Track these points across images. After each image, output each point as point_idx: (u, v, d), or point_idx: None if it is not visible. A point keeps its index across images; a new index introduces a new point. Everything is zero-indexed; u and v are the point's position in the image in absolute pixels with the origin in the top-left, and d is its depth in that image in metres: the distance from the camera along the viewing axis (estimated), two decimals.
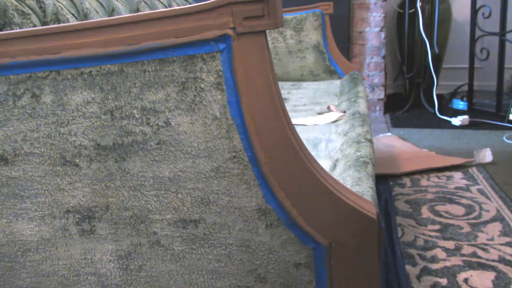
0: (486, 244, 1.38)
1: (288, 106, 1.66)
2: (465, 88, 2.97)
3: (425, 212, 1.61)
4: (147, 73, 0.62)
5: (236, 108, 0.61)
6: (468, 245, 1.38)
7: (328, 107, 1.57)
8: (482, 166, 2.02)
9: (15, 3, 0.94)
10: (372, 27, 2.96)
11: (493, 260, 1.29)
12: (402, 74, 3.21)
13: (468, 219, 1.55)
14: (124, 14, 1.50)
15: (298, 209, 0.63)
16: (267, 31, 0.60)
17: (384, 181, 1.90)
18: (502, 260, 1.29)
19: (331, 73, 2.26)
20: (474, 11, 2.83)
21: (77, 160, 0.67)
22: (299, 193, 0.63)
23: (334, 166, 0.95)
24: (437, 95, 2.97)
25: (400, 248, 1.36)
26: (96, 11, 1.34)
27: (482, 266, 1.27)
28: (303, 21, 2.27)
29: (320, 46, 2.26)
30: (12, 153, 0.68)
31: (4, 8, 0.91)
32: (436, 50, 2.96)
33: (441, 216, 1.58)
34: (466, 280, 1.21)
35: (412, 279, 1.22)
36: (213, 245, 0.67)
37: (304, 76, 2.30)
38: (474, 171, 1.98)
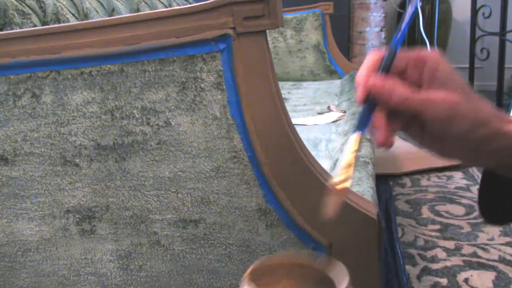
0: (486, 244, 1.38)
1: (288, 106, 1.66)
2: None
3: (425, 212, 1.61)
4: (147, 73, 0.62)
5: (236, 108, 0.61)
6: (468, 245, 1.38)
7: (328, 107, 1.57)
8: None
9: (15, 3, 0.94)
10: (372, 27, 2.96)
11: (493, 260, 1.29)
12: None
13: (468, 219, 1.55)
14: (124, 14, 1.50)
15: (298, 209, 0.63)
16: (267, 31, 0.60)
17: (384, 181, 1.90)
18: (502, 260, 1.29)
19: (331, 73, 2.26)
20: (474, 11, 2.83)
21: (77, 160, 0.67)
22: (299, 193, 0.63)
23: (334, 166, 0.95)
24: None
25: (400, 248, 1.36)
26: (96, 11, 1.34)
27: (482, 266, 1.27)
28: (303, 21, 2.27)
29: (320, 46, 2.26)
30: (12, 153, 0.68)
31: (4, 8, 0.91)
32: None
33: (441, 216, 1.58)
34: (466, 280, 1.21)
35: (412, 279, 1.22)
36: (213, 245, 0.67)
37: (304, 76, 2.30)
38: (474, 171, 1.98)
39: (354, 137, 0.45)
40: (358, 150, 0.45)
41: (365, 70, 0.46)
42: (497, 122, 0.44)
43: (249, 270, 0.42)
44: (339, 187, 0.43)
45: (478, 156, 0.46)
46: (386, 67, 0.46)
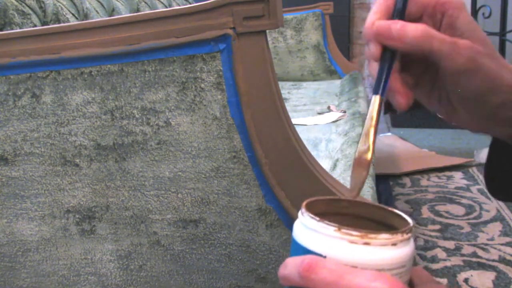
0: (486, 244, 1.38)
1: (288, 106, 1.66)
2: None
3: (425, 212, 1.61)
4: (147, 73, 0.62)
5: (236, 108, 0.61)
6: (468, 245, 1.38)
7: (328, 107, 1.57)
8: (482, 166, 2.02)
9: (15, 3, 0.94)
10: None
11: (493, 260, 1.29)
12: None
13: (468, 219, 1.55)
14: (124, 14, 1.50)
15: (298, 209, 0.63)
16: (267, 31, 0.60)
17: (384, 181, 1.90)
18: (502, 260, 1.29)
19: (331, 73, 2.26)
20: (474, 11, 2.83)
21: (77, 160, 0.67)
22: (299, 193, 0.63)
23: (334, 166, 0.95)
24: None
25: None
26: (96, 11, 1.34)
27: (482, 266, 1.27)
28: (303, 21, 2.27)
29: (320, 46, 2.26)
30: (12, 153, 0.68)
31: (4, 8, 0.91)
32: None
33: (441, 216, 1.58)
34: (466, 280, 1.21)
35: None
36: (213, 245, 0.67)
37: (304, 76, 2.30)
38: (474, 171, 1.98)
39: (374, 100, 0.39)
40: (379, 113, 0.39)
41: (373, 19, 0.39)
42: None
43: (304, 203, 0.39)
44: (361, 158, 0.38)
45: (490, 124, 0.42)
46: (398, 13, 0.38)
